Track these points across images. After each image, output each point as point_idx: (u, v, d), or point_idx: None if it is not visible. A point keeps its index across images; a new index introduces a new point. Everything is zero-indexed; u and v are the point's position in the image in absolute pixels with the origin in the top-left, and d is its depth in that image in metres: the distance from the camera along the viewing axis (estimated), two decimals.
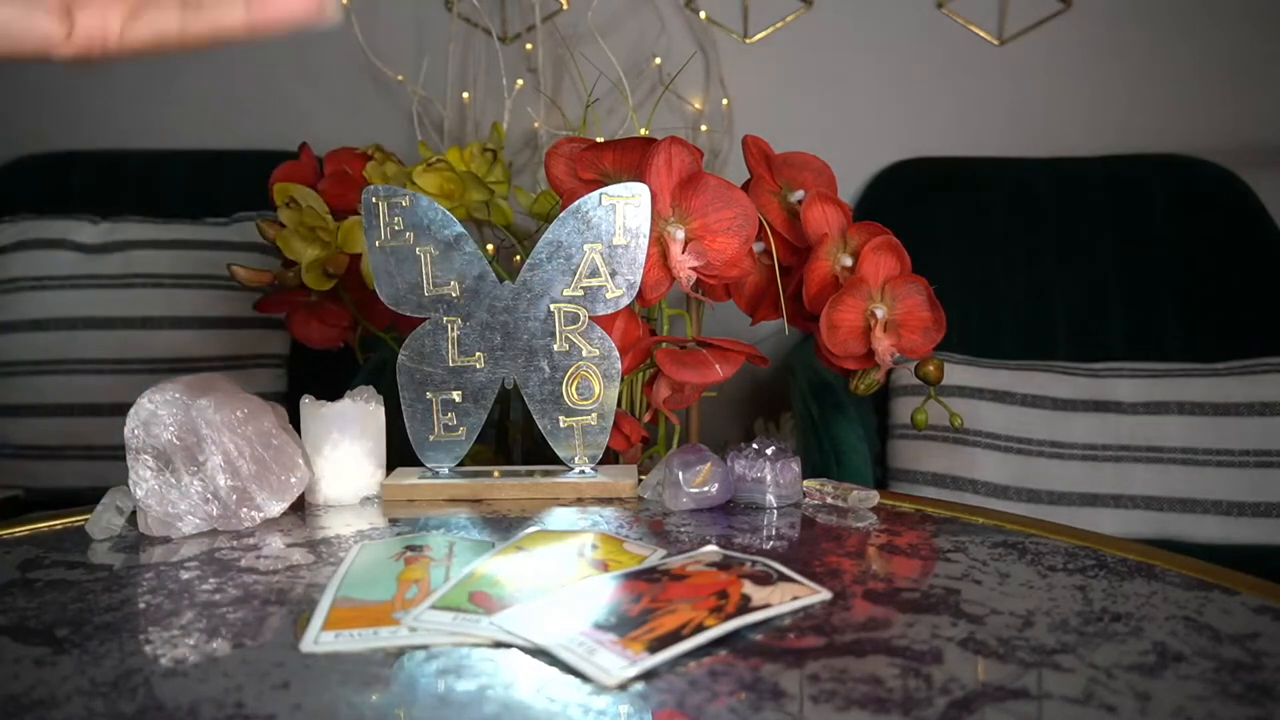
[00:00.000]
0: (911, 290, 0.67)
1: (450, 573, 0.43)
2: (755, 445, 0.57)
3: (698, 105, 1.61)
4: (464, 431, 0.61)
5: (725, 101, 1.61)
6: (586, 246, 0.59)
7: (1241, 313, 1.38)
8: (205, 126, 1.67)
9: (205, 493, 0.51)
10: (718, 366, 0.63)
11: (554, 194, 0.86)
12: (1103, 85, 1.59)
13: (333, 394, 0.60)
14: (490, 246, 1.06)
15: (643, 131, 1.29)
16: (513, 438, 1.27)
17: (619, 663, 0.33)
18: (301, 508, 0.57)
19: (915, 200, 1.53)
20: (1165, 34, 1.58)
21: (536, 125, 1.55)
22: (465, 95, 1.62)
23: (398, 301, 0.60)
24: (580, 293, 0.59)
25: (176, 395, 0.52)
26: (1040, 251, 1.45)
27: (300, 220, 0.89)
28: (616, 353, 0.60)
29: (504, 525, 0.53)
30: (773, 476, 0.56)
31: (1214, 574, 0.44)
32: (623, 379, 0.62)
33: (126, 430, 0.52)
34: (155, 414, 0.51)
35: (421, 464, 0.62)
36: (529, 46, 1.59)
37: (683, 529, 0.52)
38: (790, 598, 0.39)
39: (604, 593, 0.40)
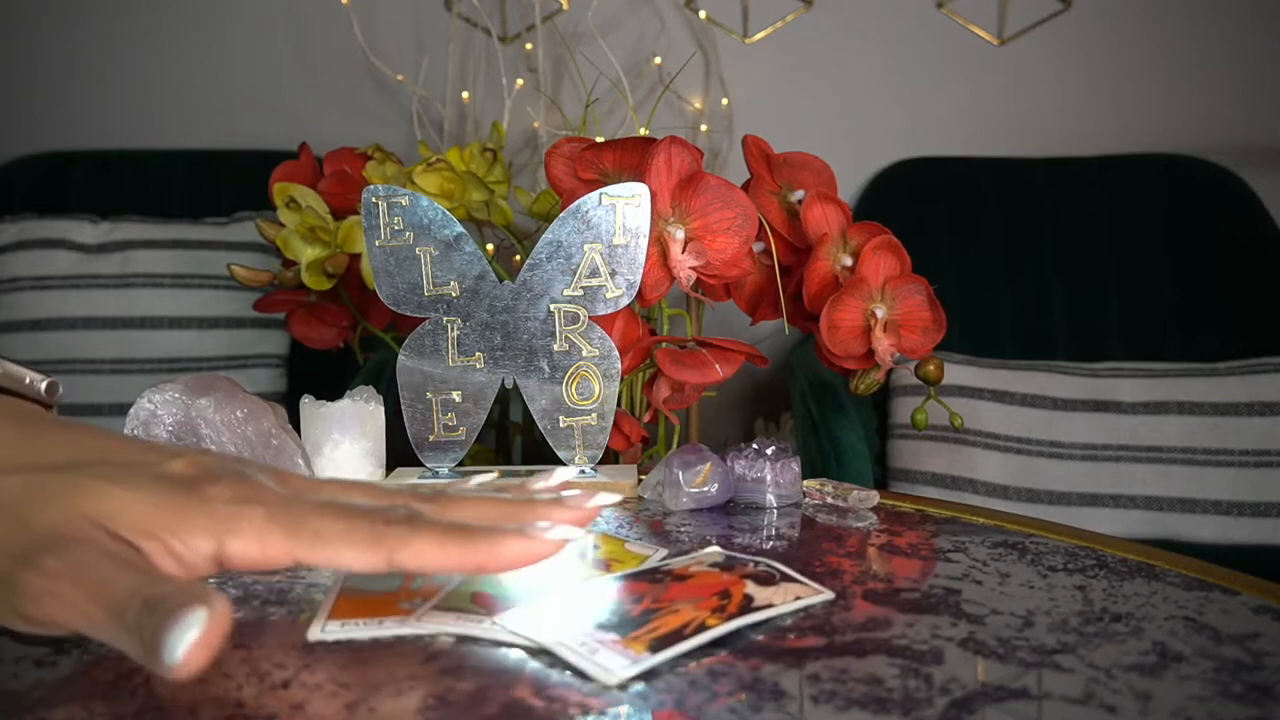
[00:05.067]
0: (912, 290, 0.67)
1: None
2: (755, 445, 0.57)
3: (698, 105, 1.61)
4: (464, 432, 0.61)
5: (725, 101, 1.61)
6: (586, 246, 0.59)
7: (1241, 313, 1.38)
8: (205, 126, 1.67)
9: None
10: (718, 366, 0.63)
11: (554, 194, 0.86)
12: (1103, 85, 1.60)
13: (333, 394, 0.60)
14: (490, 246, 1.06)
15: (643, 131, 1.29)
16: (513, 438, 1.27)
17: (621, 662, 0.33)
18: None
19: (915, 200, 1.53)
20: (1165, 34, 1.58)
21: (536, 125, 1.55)
22: (465, 95, 1.62)
23: (398, 301, 0.60)
24: (580, 293, 0.59)
25: (176, 395, 0.52)
26: (1040, 251, 1.46)
27: (300, 220, 0.89)
28: (616, 353, 0.60)
29: None
30: (773, 476, 0.56)
31: (1214, 574, 0.44)
32: (623, 379, 0.62)
33: (126, 430, 0.52)
34: (155, 414, 0.51)
35: (421, 464, 0.62)
36: (529, 46, 1.59)
37: (683, 529, 0.52)
38: (793, 598, 0.39)
39: (606, 593, 0.40)
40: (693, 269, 0.62)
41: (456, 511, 0.36)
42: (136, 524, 0.31)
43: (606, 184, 0.60)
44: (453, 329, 0.60)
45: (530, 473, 0.62)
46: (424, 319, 0.60)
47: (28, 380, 0.37)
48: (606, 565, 0.44)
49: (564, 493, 0.39)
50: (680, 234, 0.62)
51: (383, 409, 0.60)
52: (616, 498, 0.39)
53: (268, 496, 0.33)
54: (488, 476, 0.42)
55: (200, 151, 1.58)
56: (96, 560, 0.30)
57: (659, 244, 0.62)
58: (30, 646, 0.36)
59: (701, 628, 0.36)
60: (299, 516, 0.32)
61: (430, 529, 0.33)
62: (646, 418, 0.72)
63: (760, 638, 0.36)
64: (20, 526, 0.31)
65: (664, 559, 0.45)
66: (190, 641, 0.27)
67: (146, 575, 0.30)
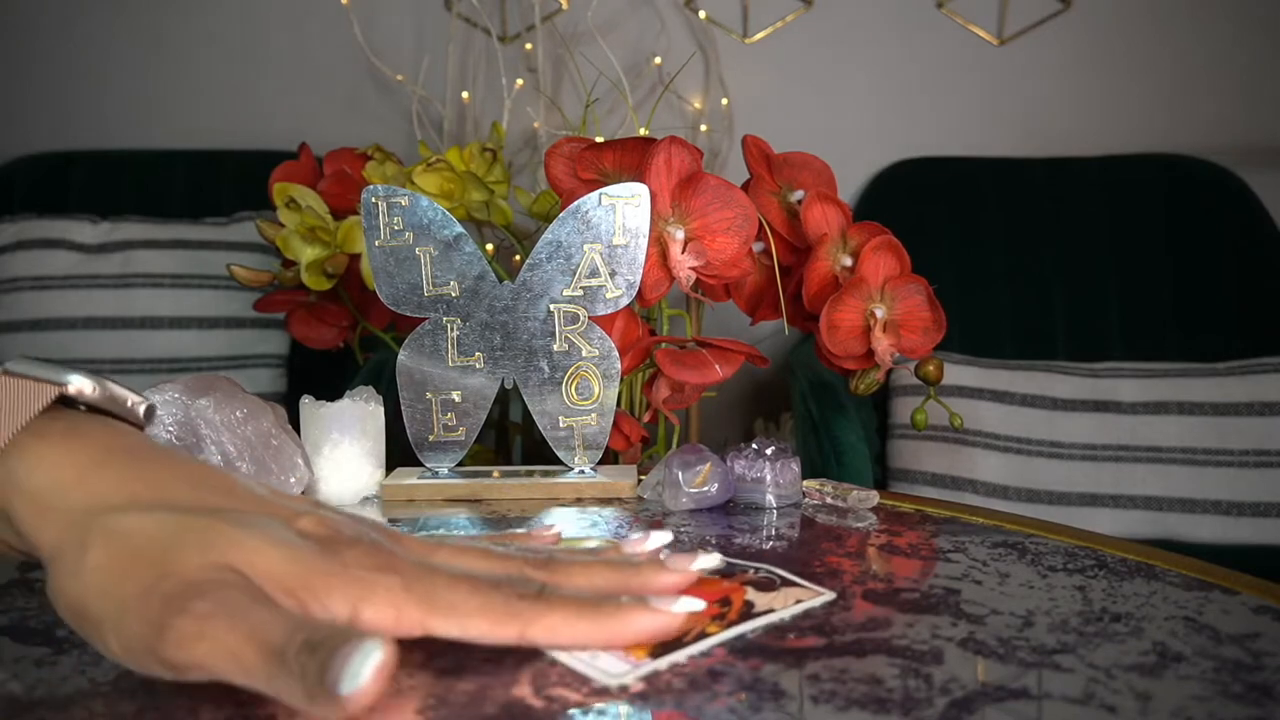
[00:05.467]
0: (911, 290, 0.67)
1: None
2: (755, 445, 0.57)
3: (698, 105, 1.61)
4: (464, 432, 0.61)
5: (725, 101, 1.61)
6: (586, 246, 0.59)
7: (1241, 313, 1.38)
8: (205, 126, 1.67)
9: None
10: (718, 366, 0.63)
11: (554, 194, 0.86)
12: (1103, 85, 1.60)
13: (333, 394, 0.60)
14: (490, 246, 1.06)
15: (643, 131, 1.29)
16: (513, 438, 1.27)
17: (621, 667, 0.33)
18: None
19: (915, 200, 1.53)
20: (1165, 34, 1.58)
21: (536, 125, 1.55)
22: (465, 95, 1.62)
23: (398, 301, 0.60)
24: (580, 293, 0.59)
25: (176, 395, 0.52)
26: (1040, 251, 1.46)
27: (300, 220, 0.89)
28: (616, 353, 0.60)
29: (504, 526, 0.53)
30: (773, 476, 0.56)
31: (1214, 574, 0.44)
32: (623, 379, 0.62)
33: None
34: (155, 414, 0.51)
35: (421, 464, 0.62)
36: (529, 46, 1.59)
37: (683, 529, 0.52)
38: (794, 601, 0.39)
39: None
40: (693, 269, 0.62)
41: (571, 579, 0.36)
42: (278, 580, 0.31)
43: (606, 184, 0.60)
44: (453, 329, 0.60)
45: (530, 473, 0.62)
46: (424, 319, 0.60)
47: (129, 403, 0.37)
48: None
49: (661, 555, 0.40)
50: (680, 234, 0.62)
51: (383, 409, 0.60)
52: (716, 561, 0.40)
53: (401, 566, 0.33)
54: (593, 544, 0.45)
55: (200, 151, 1.58)
56: (248, 605, 0.30)
57: (659, 244, 0.62)
58: (31, 647, 0.36)
59: (702, 635, 0.36)
60: (433, 588, 0.33)
61: (562, 605, 0.34)
62: (646, 418, 0.72)
63: (760, 638, 0.36)
64: (161, 570, 0.30)
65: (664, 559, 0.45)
66: (373, 667, 0.27)
67: (299, 620, 0.30)
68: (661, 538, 0.42)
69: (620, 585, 0.37)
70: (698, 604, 0.36)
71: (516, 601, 0.33)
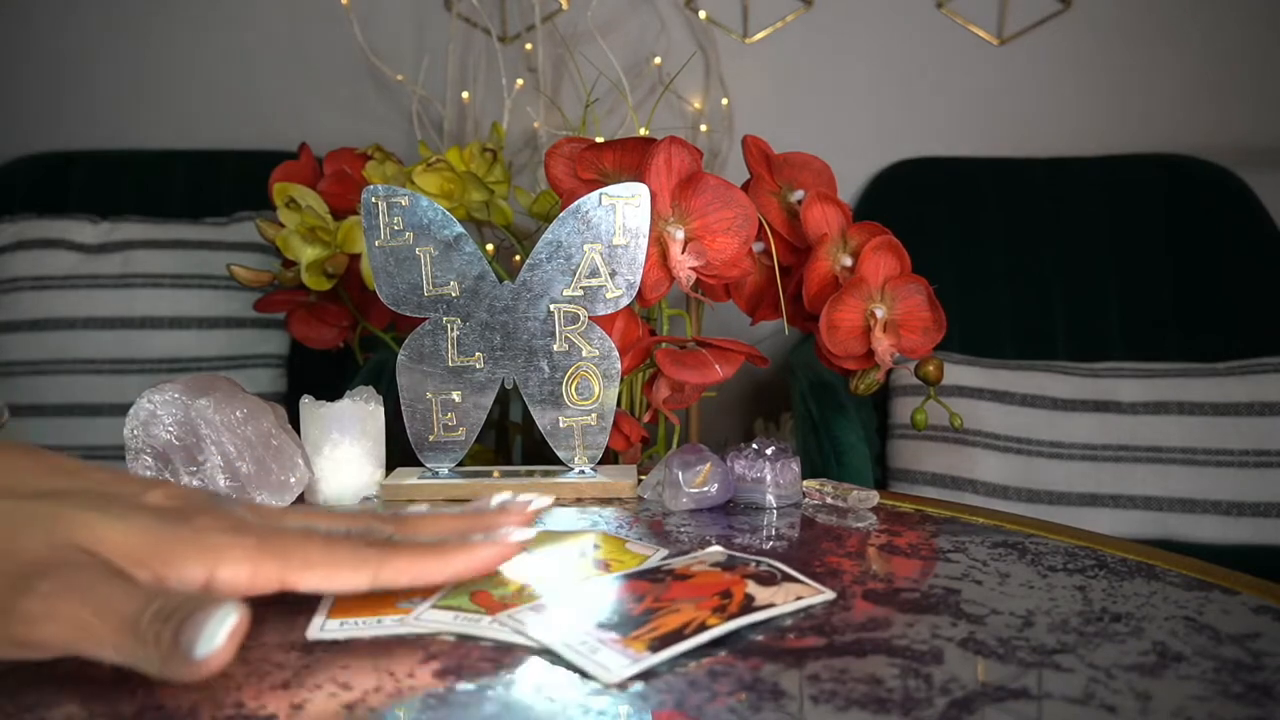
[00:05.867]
0: (911, 290, 0.67)
1: None
2: (755, 445, 0.57)
3: (697, 105, 1.61)
4: (464, 432, 0.61)
5: (725, 101, 1.61)
6: (586, 246, 0.59)
7: (1241, 313, 1.38)
8: (205, 126, 1.67)
9: None
10: (718, 366, 0.63)
11: (554, 194, 0.86)
12: (1103, 85, 1.60)
13: (333, 394, 0.60)
14: (490, 246, 1.06)
15: (643, 131, 1.29)
16: (513, 438, 1.27)
17: (621, 661, 0.33)
18: None
19: (915, 200, 1.53)
20: (1165, 34, 1.58)
21: (536, 125, 1.55)
22: (465, 95, 1.62)
23: (398, 301, 0.60)
24: (580, 293, 0.59)
25: (176, 395, 0.52)
26: (1040, 251, 1.46)
27: (300, 220, 0.89)
28: (616, 353, 0.60)
29: None
30: (773, 476, 0.56)
31: (1214, 574, 0.44)
32: (623, 379, 0.62)
33: (126, 430, 0.52)
34: (155, 414, 0.51)
35: (421, 464, 0.62)
36: (529, 46, 1.59)
37: (683, 529, 0.52)
38: (794, 598, 0.39)
39: (606, 593, 0.40)
40: (693, 269, 0.62)
41: (418, 530, 0.39)
42: (129, 554, 0.32)
43: (606, 184, 0.60)
44: (453, 329, 0.60)
45: (530, 473, 0.62)
46: (424, 319, 0.60)
47: None
48: (606, 565, 0.44)
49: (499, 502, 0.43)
50: (680, 234, 0.62)
51: (383, 409, 0.60)
52: (548, 500, 0.44)
53: (253, 527, 0.34)
54: (423, 507, 0.48)
55: (200, 151, 1.58)
56: (97, 580, 0.30)
57: (659, 244, 0.62)
58: None
59: (702, 627, 0.36)
60: (286, 544, 0.34)
61: (409, 548, 0.36)
62: (646, 418, 0.72)
63: (760, 638, 0.36)
64: (6, 554, 0.31)
65: (664, 559, 0.45)
66: (228, 629, 0.28)
67: (151, 590, 0.31)
68: (500, 498, 0.45)
69: (464, 529, 0.39)
70: (529, 532, 0.39)
71: (365, 549, 0.35)
